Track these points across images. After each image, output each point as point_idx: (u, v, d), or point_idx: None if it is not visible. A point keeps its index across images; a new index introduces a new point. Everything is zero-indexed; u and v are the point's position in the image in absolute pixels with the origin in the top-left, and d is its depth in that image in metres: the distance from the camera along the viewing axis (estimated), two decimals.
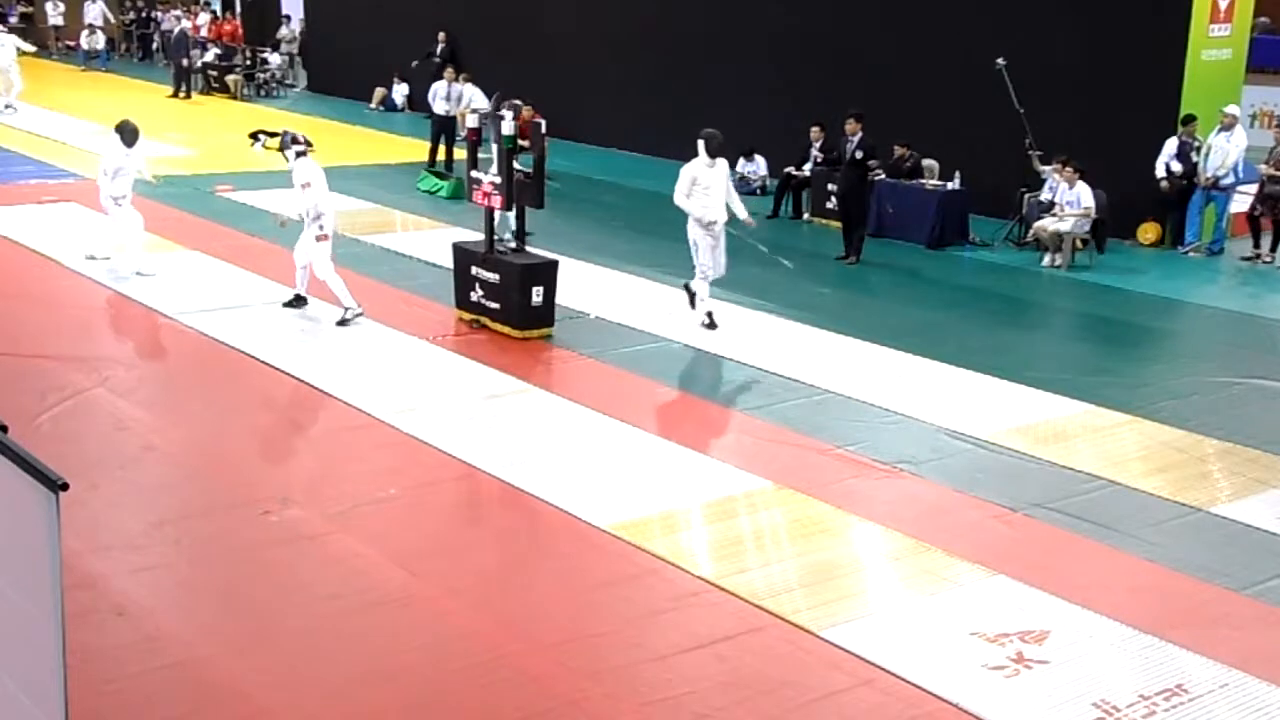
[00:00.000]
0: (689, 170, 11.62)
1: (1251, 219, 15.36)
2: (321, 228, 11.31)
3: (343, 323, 11.34)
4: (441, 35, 25.44)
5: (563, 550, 7.44)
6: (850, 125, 14.57)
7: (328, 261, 11.37)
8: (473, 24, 24.98)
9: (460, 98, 20.44)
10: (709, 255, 11.70)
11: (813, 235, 16.47)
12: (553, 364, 10.89)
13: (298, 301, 11.83)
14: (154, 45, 36.02)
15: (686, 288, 12.09)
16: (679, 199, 11.65)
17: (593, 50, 22.49)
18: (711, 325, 11.66)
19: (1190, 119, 15.29)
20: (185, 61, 28.32)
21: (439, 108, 19.84)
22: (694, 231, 11.71)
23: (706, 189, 11.56)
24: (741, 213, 11.89)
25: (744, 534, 7.61)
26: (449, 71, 20.75)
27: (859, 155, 14.47)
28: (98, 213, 13.84)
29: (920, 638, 6.42)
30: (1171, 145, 15.34)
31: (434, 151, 19.76)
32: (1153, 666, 6.20)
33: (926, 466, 8.68)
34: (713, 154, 11.59)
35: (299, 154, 11.34)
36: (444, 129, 19.57)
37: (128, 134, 12.92)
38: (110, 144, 13.10)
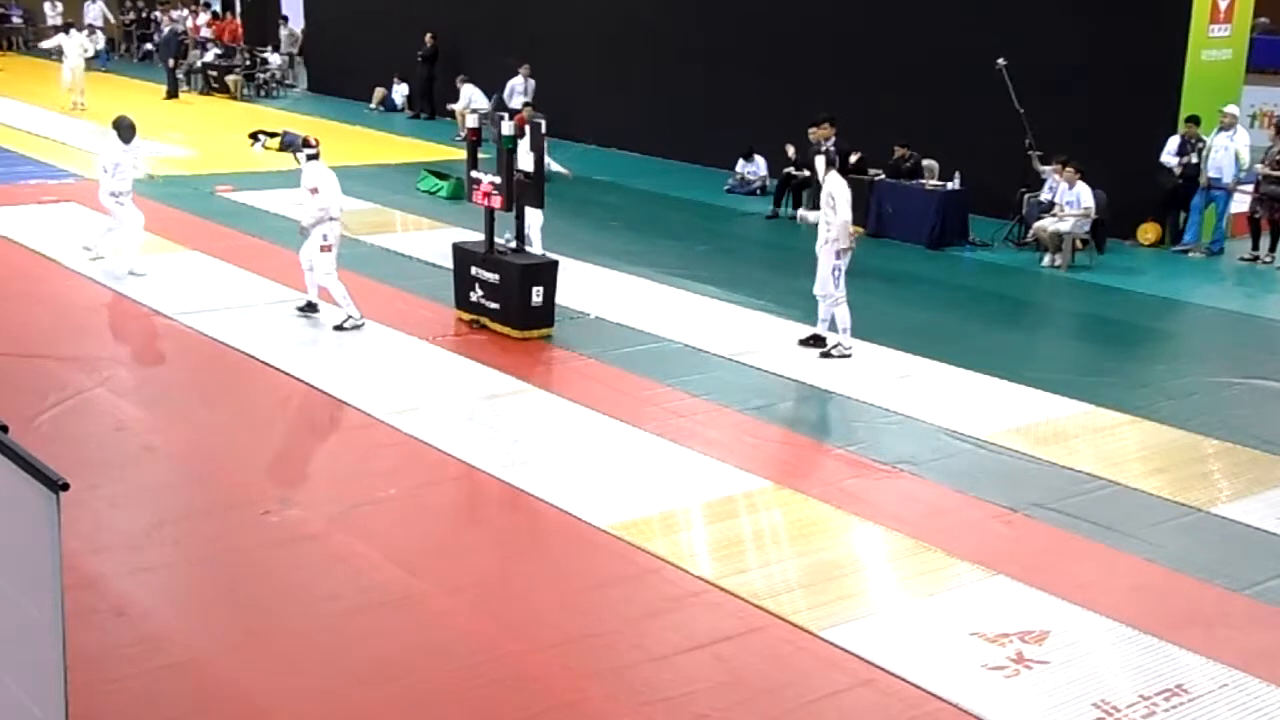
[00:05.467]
0: (847, 193, 10.94)
1: (1252, 220, 15.37)
2: (325, 237, 11.11)
3: (339, 328, 11.25)
4: (428, 36, 25.51)
5: (563, 550, 7.43)
6: (824, 129, 14.37)
7: (332, 270, 11.24)
8: (472, 24, 24.99)
9: (530, 90, 21.01)
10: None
11: (812, 235, 16.45)
12: (553, 364, 10.89)
13: (310, 309, 11.63)
14: (154, 45, 36.04)
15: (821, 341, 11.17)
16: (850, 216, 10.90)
17: (592, 50, 22.50)
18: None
19: (1195, 119, 15.28)
20: (173, 63, 28.34)
21: (515, 103, 20.29)
22: (841, 256, 10.91)
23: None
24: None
25: (744, 534, 7.61)
26: (526, 67, 21.57)
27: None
28: (98, 212, 13.84)
29: (920, 638, 6.42)
30: (1174, 142, 15.34)
31: None
32: (1153, 666, 6.20)
33: (926, 466, 8.68)
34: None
35: (310, 156, 11.14)
36: None
37: (124, 130, 12.96)
38: (108, 141, 13.14)
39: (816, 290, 11.11)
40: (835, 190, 10.85)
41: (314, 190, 11.04)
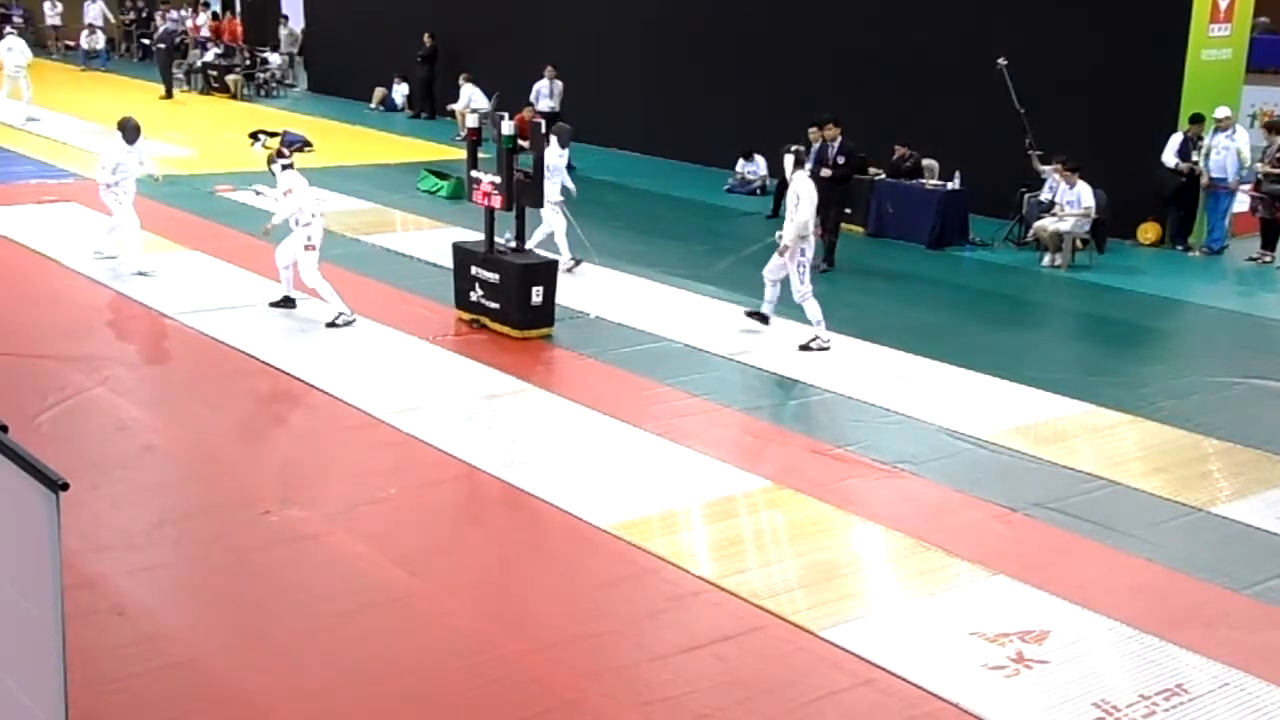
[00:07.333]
0: (813, 195, 11.11)
1: (1264, 222, 15.36)
2: (309, 238, 11.28)
3: (332, 325, 11.30)
4: (427, 36, 25.51)
5: (563, 550, 7.44)
6: (830, 130, 14.31)
7: (314, 270, 11.34)
8: (473, 24, 24.98)
9: (555, 93, 21.23)
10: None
11: None
12: (553, 364, 10.89)
13: (286, 303, 11.78)
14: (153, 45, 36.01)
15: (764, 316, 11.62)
16: (811, 217, 11.13)
17: (593, 50, 22.49)
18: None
19: (1198, 118, 15.28)
20: (170, 63, 28.31)
21: (543, 105, 20.32)
22: (805, 250, 11.17)
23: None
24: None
25: (744, 534, 7.61)
26: (550, 69, 21.44)
27: (840, 160, 14.25)
28: (98, 212, 13.84)
29: (920, 638, 6.42)
30: (1176, 140, 15.33)
31: None
32: (1153, 666, 6.20)
33: (926, 466, 8.68)
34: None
35: (284, 167, 11.43)
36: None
37: (129, 131, 12.97)
38: (112, 141, 13.14)
39: (795, 298, 11.19)
40: (801, 190, 11.03)
41: (287, 192, 11.29)
